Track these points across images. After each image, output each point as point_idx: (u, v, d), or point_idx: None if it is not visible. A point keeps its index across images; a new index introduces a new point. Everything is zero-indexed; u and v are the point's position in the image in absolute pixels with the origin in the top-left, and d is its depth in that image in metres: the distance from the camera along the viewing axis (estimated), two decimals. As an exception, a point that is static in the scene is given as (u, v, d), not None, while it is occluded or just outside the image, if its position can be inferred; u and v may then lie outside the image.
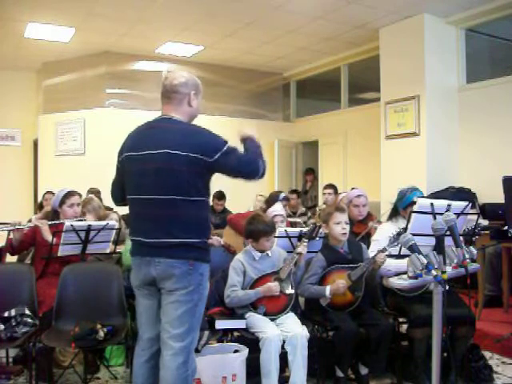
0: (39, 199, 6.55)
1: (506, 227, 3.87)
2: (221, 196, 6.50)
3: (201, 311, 2.33)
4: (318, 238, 3.36)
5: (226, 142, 2.26)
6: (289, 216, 5.46)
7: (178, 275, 2.22)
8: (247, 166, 2.26)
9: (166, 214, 2.24)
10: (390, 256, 3.11)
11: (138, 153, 2.29)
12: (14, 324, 2.95)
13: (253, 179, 2.29)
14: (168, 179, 2.22)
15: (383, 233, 3.33)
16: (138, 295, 2.41)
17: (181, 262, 2.22)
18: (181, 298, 2.23)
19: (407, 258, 2.24)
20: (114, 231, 3.61)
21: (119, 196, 2.49)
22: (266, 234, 3.18)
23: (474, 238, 3.44)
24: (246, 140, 2.38)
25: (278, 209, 4.14)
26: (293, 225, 4.82)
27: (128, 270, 3.74)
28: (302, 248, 3.19)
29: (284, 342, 2.91)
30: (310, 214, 6.55)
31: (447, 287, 2.20)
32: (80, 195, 4.01)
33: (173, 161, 2.20)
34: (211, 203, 6.54)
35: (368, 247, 3.44)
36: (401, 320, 3.32)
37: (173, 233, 2.23)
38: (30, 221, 4.19)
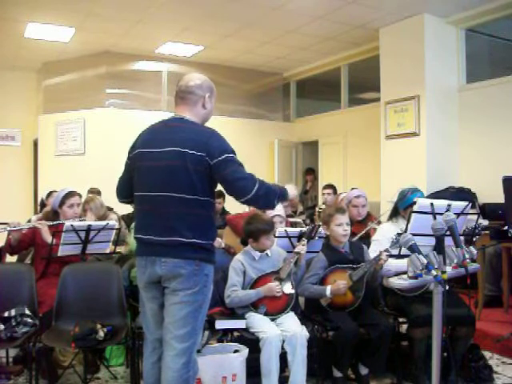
0: (39, 199, 6.55)
1: (506, 227, 3.87)
2: (219, 194, 6.49)
3: (204, 312, 2.33)
4: (317, 238, 3.36)
5: (233, 152, 2.25)
6: (290, 216, 5.45)
7: (185, 275, 2.21)
8: (239, 181, 2.19)
9: (174, 212, 2.23)
10: (390, 256, 3.10)
11: (151, 150, 2.29)
12: (14, 324, 2.95)
13: (238, 197, 2.22)
14: (178, 177, 2.22)
15: (383, 233, 3.33)
16: (143, 298, 2.40)
17: (187, 263, 2.22)
18: (185, 299, 2.23)
19: (407, 258, 2.24)
20: (114, 231, 3.60)
21: (125, 193, 2.49)
22: (265, 232, 3.18)
23: (474, 238, 3.44)
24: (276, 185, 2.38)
25: (277, 209, 4.13)
26: (293, 225, 4.82)
27: (128, 270, 3.76)
28: (301, 248, 3.19)
29: (284, 342, 2.91)
30: (306, 213, 6.54)
31: (447, 287, 2.21)
32: (80, 195, 4.00)
33: (183, 159, 2.20)
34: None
35: (367, 247, 3.44)
36: (401, 320, 3.32)
37: (181, 232, 2.22)
38: (29, 221, 4.19)
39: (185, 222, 2.23)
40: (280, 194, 2.32)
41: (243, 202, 2.26)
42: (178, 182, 2.22)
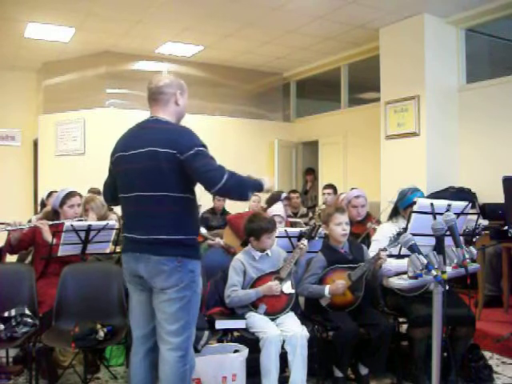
0: (39, 199, 6.54)
1: (506, 227, 3.87)
2: None
3: (196, 306, 2.35)
4: (317, 238, 3.36)
5: (202, 145, 2.28)
6: (290, 216, 5.46)
7: (167, 272, 2.25)
8: (209, 172, 2.22)
9: (154, 211, 2.29)
10: (390, 256, 3.11)
11: (127, 153, 2.36)
12: (14, 324, 2.95)
13: (209, 188, 2.23)
14: (154, 176, 2.27)
15: (383, 232, 3.33)
16: (131, 290, 2.46)
17: (169, 260, 2.26)
18: (173, 296, 2.27)
19: (407, 258, 2.24)
20: (114, 231, 3.60)
21: (109, 196, 2.59)
22: (267, 230, 3.19)
23: (474, 238, 3.44)
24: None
25: (277, 209, 4.15)
26: (293, 225, 4.82)
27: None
28: (303, 244, 3.20)
29: (284, 342, 2.91)
30: (310, 214, 6.55)
31: (447, 287, 2.21)
32: (80, 196, 4.00)
33: (156, 158, 2.26)
34: (212, 202, 6.55)
35: (367, 248, 3.44)
36: (401, 320, 3.32)
37: (161, 229, 2.27)
38: (29, 221, 4.18)
39: (165, 220, 2.28)
40: (253, 186, 2.34)
41: (214, 193, 2.29)
42: (154, 181, 2.27)
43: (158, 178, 2.26)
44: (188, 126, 2.40)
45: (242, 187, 2.29)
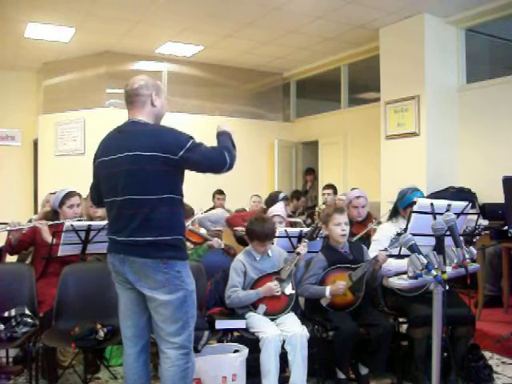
0: (39, 199, 6.53)
1: (506, 227, 3.87)
2: (220, 191, 6.61)
3: (192, 305, 2.34)
4: (318, 239, 3.36)
5: (190, 139, 2.29)
6: (289, 216, 5.46)
7: (154, 274, 2.25)
8: (212, 159, 2.26)
9: (139, 213, 2.28)
10: (390, 256, 3.11)
11: (108, 157, 2.37)
12: (14, 324, 2.95)
13: (219, 172, 2.29)
14: (137, 179, 2.27)
15: (383, 233, 3.33)
16: (119, 290, 2.45)
17: (154, 262, 2.25)
18: (165, 299, 2.26)
19: (407, 258, 2.25)
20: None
21: (96, 198, 2.59)
22: (259, 238, 3.18)
23: (474, 239, 3.44)
24: (220, 135, 2.41)
25: (277, 209, 4.15)
26: (293, 225, 4.82)
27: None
28: (302, 248, 3.19)
29: (284, 342, 2.91)
30: (306, 213, 6.57)
31: (447, 287, 2.21)
32: (80, 196, 4.00)
33: (139, 161, 2.25)
34: (212, 200, 6.58)
35: (367, 248, 3.44)
36: (401, 320, 3.32)
37: (146, 231, 2.26)
38: (30, 221, 4.18)
39: (150, 222, 2.27)
40: (232, 142, 2.36)
41: (223, 172, 2.31)
42: (137, 184, 2.27)
43: (141, 181, 2.26)
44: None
45: (233, 152, 2.32)
